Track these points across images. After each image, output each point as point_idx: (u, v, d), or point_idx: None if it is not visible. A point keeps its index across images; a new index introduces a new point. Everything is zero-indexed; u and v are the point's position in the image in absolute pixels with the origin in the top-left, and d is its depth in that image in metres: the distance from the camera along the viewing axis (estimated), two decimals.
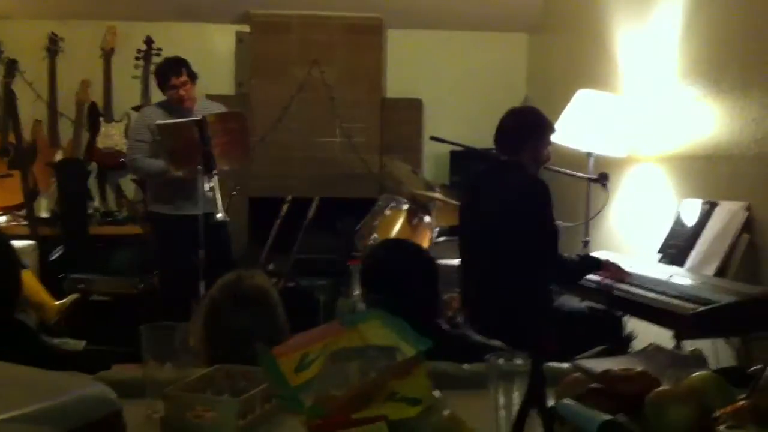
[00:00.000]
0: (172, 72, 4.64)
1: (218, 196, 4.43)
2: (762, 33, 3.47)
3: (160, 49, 5.77)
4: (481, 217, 3.63)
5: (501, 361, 1.37)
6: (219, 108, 4.75)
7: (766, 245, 3.35)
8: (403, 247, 2.89)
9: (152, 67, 5.75)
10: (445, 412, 1.29)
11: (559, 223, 3.57)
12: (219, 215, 4.39)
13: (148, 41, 5.79)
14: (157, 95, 5.65)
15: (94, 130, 5.83)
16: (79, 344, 3.55)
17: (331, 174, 5.99)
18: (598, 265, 3.57)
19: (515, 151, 3.60)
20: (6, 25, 5.78)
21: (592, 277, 3.59)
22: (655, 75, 4.30)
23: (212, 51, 5.84)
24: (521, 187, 3.52)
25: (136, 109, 5.73)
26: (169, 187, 4.72)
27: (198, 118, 4.38)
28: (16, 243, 4.09)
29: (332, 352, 1.32)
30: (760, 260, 3.37)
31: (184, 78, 4.63)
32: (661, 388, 1.29)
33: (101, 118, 5.82)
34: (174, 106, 4.66)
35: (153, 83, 5.72)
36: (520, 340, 2.44)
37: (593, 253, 3.92)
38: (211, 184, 4.42)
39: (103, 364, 2.26)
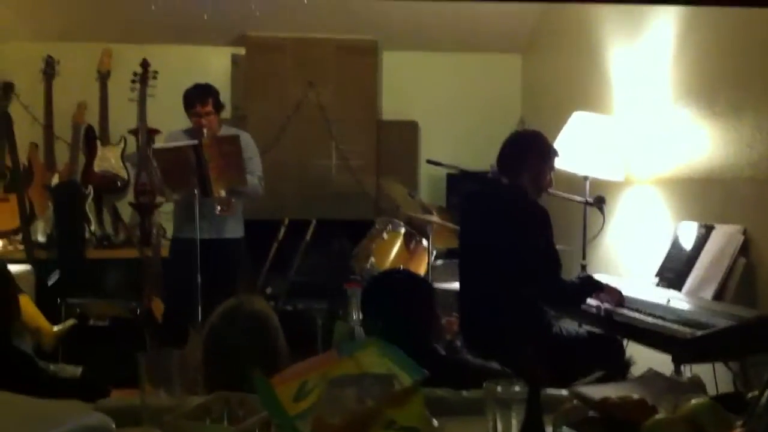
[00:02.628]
0: (199, 100, 4.60)
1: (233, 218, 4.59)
2: (754, 57, 3.49)
3: (156, 72, 5.79)
4: (481, 240, 3.63)
5: (498, 388, 1.37)
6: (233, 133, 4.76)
7: (763, 269, 3.36)
8: (403, 275, 2.91)
9: (149, 90, 5.78)
10: None
11: (557, 247, 3.57)
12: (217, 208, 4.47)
13: (144, 64, 5.79)
14: (153, 118, 5.69)
15: (90, 153, 5.83)
16: (77, 370, 3.54)
17: (326, 196, 5.99)
18: (600, 288, 3.57)
19: (517, 175, 3.61)
20: (1, 48, 5.78)
21: (590, 301, 3.59)
22: (649, 96, 4.33)
23: (208, 73, 5.83)
24: (522, 211, 3.53)
25: (133, 132, 5.74)
26: (180, 212, 4.76)
27: (194, 142, 4.39)
28: (13, 267, 4.10)
29: (330, 381, 1.32)
30: (758, 283, 3.38)
31: (209, 108, 4.61)
32: (657, 416, 1.29)
33: (98, 141, 5.82)
34: (196, 133, 4.61)
35: (150, 106, 5.75)
36: (518, 363, 2.44)
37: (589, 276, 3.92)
38: (219, 207, 4.46)
39: (101, 391, 2.25)
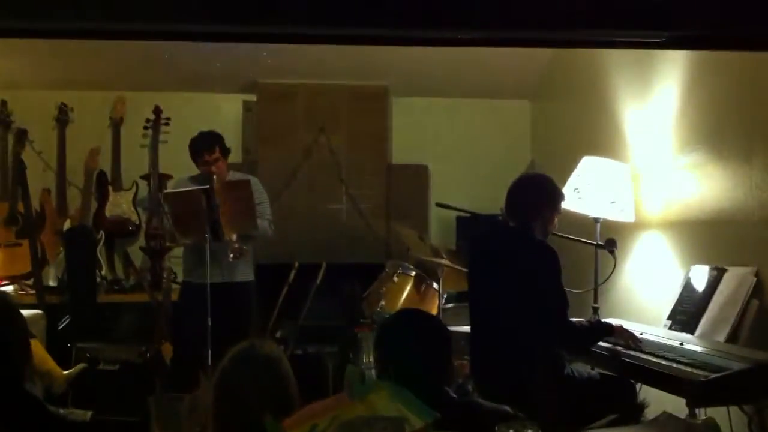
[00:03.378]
0: (205, 148, 4.64)
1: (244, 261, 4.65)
2: (761, 101, 3.51)
3: (168, 119, 5.86)
4: (489, 282, 3.63)
5: (510, 430, 1.36)
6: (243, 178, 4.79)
7: None
8: (419, 317, 2.90)
9: (161, 136, 5.84)
10: None
11: (567, 289, 3.56)
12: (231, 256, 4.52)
13: (157, 110, 5.86)
14: (165, 164, 5.73)
15: (102, 198, 5.87)
16: (86, 415, 3.53)
17: (337, 239, 6.00)
18: (611, 331, 3.56)
19: (526, 219, 3.62)
20: (16, 95, 5.86)
21: (603, 343, 3.57)
22: (658, 142, 4.34)
23: (220, 120, 5.89)
24: (531, 253, 3.52)
25: (145, 177, 5.79)
26: (190, 256, 4.77)
27: (204, 186, 4.42)
28: (24, 312, 4.11)
29: (341, 423, 1.31)
30: None
31: (216, 155, 4.64)
32: None
33: (110, 187, 5.87)
34: (204, 180, 4.62)
35: (162, 152, 5.80)
36: (530, 406, 2.42)
37: (601, 319, 3.90)
38: (231, 255, 4.48)
39: None
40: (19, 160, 5.65)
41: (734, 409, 3.24)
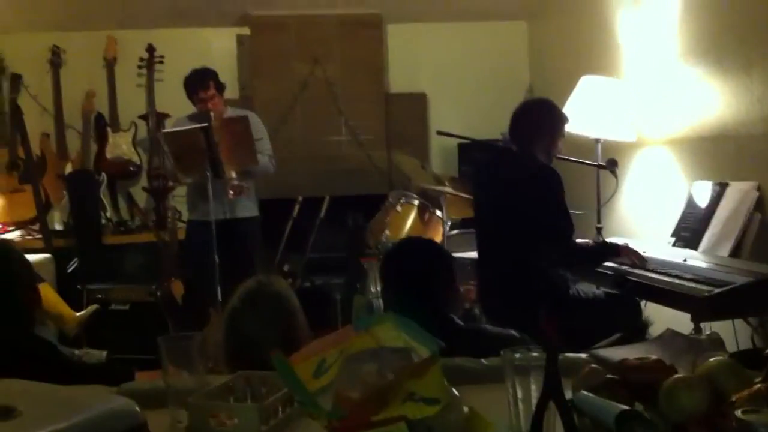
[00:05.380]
0: (200, 85, 4.63)
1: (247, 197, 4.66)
2: (762, 11, 3.45)
3: (162, 57, 5.80)
4: (494, 208, 3.64)
5: (516, 355, 1.38)
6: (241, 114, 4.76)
7: None
8: (423, 245, 2.91)
9: (156, 74, 5.79)
10: (465, 410, 1.30)
11: (571, 211, 3.57)
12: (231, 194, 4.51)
13: (150, 49, 5.80)
14: (162, 103, 5.69)
15: (101, 140, 5.85)
16: (102, 354, 3.58)
17: (338, 171, 6.00)
18: (616, 251, 3.58)
19: (528, 143, 3.62)
20: (7, 40, 5.79)
21: (608, 263, 3.60)
22: (657, 57, 4.29)
23: (214, 55, 5.83)
24: (534, 176, 3.53)
25: (143, 117, 5.76)
26: (193, 194, 4.78)
27: (203, 124, 4.40)
28: (32, 257, 4.14)
29: (348, 356, 1.33)
30: None
31: (211, 91, 4.63)
32: (676, 375, 1.30)
33: (108, 128, 5.85)
34: (202, 118, 4.60)
35: (158, 91, 5.76)
36: (536, 328, 2.44)
37: (606, 239, 3.92)
38: (231, 191, 4.49)
39: (126, 374, 2.29)
40: (15, 106, 5.62)
41: (739, 323, 3.28)
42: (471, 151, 5.67)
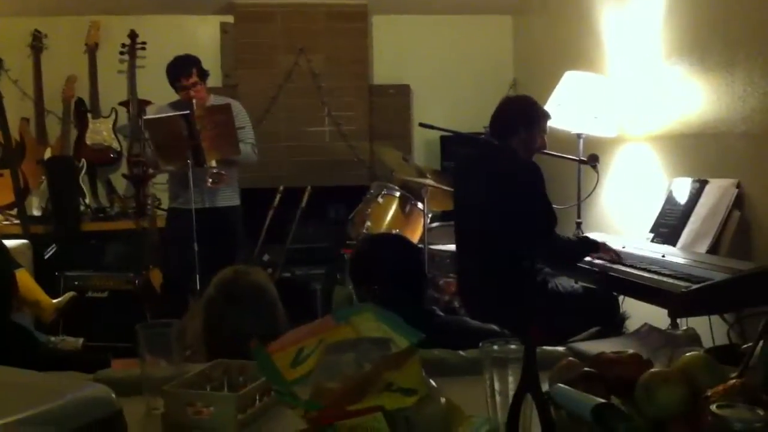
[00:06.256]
0: (182, 72, 4.58)
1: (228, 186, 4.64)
2: (745, 11, 3.47)
3: (144, 43, 5.76)
4: (474, 201, 3.65)
5: (495, 347, 1.38)
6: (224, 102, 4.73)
7: (757, 221, 3.37)
8: (386, 240, 2.92)
9: (138, 61, 5.75)
10: (442, 401, 1.30)
11: (553, 206, 3.58)
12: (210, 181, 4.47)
13: (132, 35, 5.76)
14: (143, 90, 5.66)
15: (81, 126, 5.81)
16: (78, 342, 3.56)
17: (320, 162, 5.99)
18: (596, 247, 3.60)
19: (507, 138, 3.64)
20: None
21: (587, 259, 3.61)
22: (641, 54, 4.31)
23: (197, 43, 5.81)
24: (512, 170, 3.54)
25: (124, 104, 5.72)
26: (174, 181, 4.75)
27: (185, 112, 4.37)
28: (10, 243, 4.10)
29: (327, 346, 1.33)
30: (752, 236, 3.39)
31: (194, 79, 4.58)
32: (652, 370, 1.30)
33: (89, 114, 5.80)
34: (185, 105, 4.55)
35: (140, 77, 5.72)
36: (515, 322, 2.45)
37: (585, 234, 3.93)
38: (210, 180, 4.46)
39: (102, 362, 2.27)
40: None
41: (716, 319, 3.31)
42: (454, 145, 5.67)
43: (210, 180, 4.49)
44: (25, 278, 4.13)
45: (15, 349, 2.18)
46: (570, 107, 4.39)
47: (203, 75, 4.66)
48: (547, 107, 3.98)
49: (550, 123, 3.82)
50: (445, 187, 4.41)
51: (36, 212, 5.53)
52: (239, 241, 4.91)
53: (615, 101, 4.45)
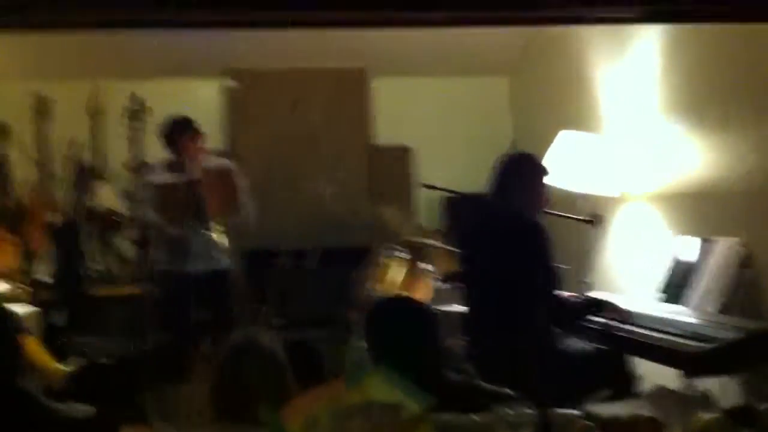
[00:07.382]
0: (177, 132, 4.60)
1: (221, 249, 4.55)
2: (740, 70, 3.52)
3: (144, 105, 5.78)
4: (482, 264, 3.64)
5: (507, 411, 1.37)
6: (223, 164, 4.75)
7: (766, 280, 3.36)
8: (399, 303, 2.90)
9: (141, 125, 5.78)
10: None
11: (557, 265, 3.58)
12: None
13: (135, 99, 5.79)
14: (146, 152, 5.67)
15: (87, 190, 5.82)
16: (87, 409, 3.51)
17: (322, 224, 5.97)
18: (599, 307, 3.57)
19: (512, 198, 3.63)
20: None
21: (596, 318, 3.59)
22: (639, 112, 4.35)
23: (198, 106, 5.82)
24: (520, 232, 3.54)
25: (130, 168, 5.74)
26: (170, 244, 4.72)
27: (191, 177, 4.39)
28: (18, 308, 4.11)
29: (337, 412, 1.32)
30: (761, 295, 3.38)
31: (191, 140, 4.60)
32: None
33: (93, 178, 5.82)
34: (179, 167, 4.59)
35: (144, 140, 5.74)
36: (527, 384, 2.43)
37: (592, 294, 3.92)
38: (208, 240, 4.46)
39: (111, 429, 2.25)
40: (0, 155, 5.59)
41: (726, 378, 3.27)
42: (456, 205, 5.67)
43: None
44: (33, 345, 4.12)
45: (22, 416, 2.15)
46: (567, 166, 4.38)
47: (200, 136, 4.67)
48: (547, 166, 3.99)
49: (548, 181, 3.82)
50: (450, 248, 4.41)
51: (42, 277, 5.50)
52: (234, 304, 4.85)
53: (614, 160, 4.46)
